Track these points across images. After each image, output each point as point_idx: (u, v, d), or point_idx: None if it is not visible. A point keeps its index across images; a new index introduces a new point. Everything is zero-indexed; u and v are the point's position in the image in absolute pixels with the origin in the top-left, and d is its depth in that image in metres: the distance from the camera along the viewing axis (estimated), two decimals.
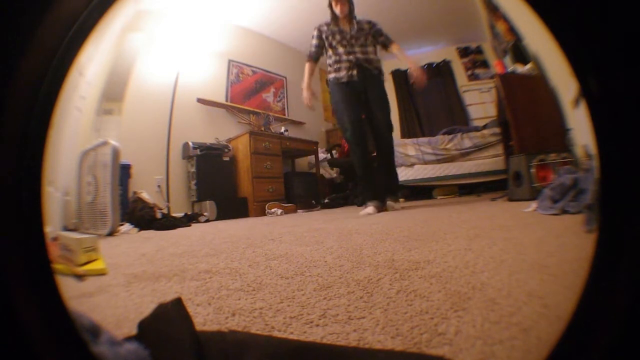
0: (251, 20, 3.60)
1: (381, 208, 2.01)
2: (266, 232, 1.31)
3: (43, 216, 0.23)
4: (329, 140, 4.29)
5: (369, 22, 2.23)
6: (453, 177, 2.96)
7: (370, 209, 1.97)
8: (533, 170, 1.54)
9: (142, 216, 1.91)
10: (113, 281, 0.65)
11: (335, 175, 3.84)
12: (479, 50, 4.23)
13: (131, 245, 1.19)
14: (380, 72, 2.22)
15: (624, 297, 0.20)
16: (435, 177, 2.99)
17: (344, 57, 2.17)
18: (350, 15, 2.20)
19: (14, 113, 0.21)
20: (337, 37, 2.19)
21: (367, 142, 2.16)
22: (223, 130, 3.36)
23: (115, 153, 1.60)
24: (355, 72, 2.14)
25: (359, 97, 2.16)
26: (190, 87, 3.17)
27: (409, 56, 2.42)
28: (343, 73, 2.16)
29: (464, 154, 2.98)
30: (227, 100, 3.58)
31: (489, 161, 2.89)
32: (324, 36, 2.22)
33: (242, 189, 3.12)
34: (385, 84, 2.25)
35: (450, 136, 3.07)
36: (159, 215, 1.99)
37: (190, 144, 2.85)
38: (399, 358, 0.29)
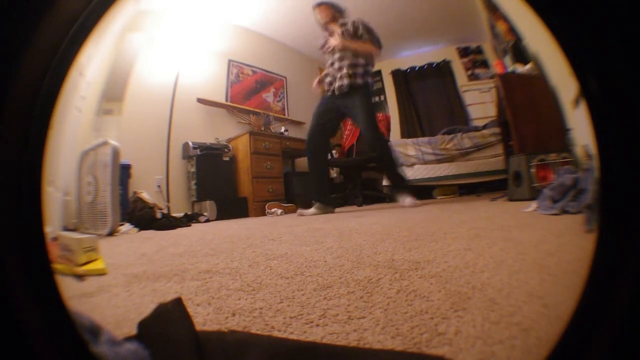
0: (251, 20, 3.60)
1: (325, 211, 2.17)
2: (266, 232, 1.31)
3: (43, 216, 0.23)
4: None
5: (345, 27, 2.13)
6: (453, 177, 2.96)
7: (312, 210, 2.15)
8: (533, 170, 1.54)
9: (142, 216, 1.90)
10: (113, 281, 0.64)
11: (335, 175, 3.83)
12: (479, 50, 4.22)
13: (131, 245, 1.19)
14: (365, 82, 2.15)
15: (624, 297, 0.20)
16: (435, 177, 2.99)
17: (329, 69, 2.21)
18: (333, 21, 2.17)
19: (14, 113, 0.21)
20: (326, 45, 2.23)
21: (320, 154, 2.28)
22: (223, 130, 3.36)
23: (115, 153, 1.60)
24: (336, 85, 2.16)
25: (331, 110, 2.20)
26: (190, 87, 3.17)
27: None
28: (327, 87, 2.23)
29: (464, 154, 2.97)
30: (227, 100, 3.58)
31: (489, 161, 2.89)
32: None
33: (242, 189, 3.12)
34: (373, 88, 2.20)
35: (450, 136, 3.07)
36: (159, 215, 1.98)
37: (190, 144, 2.84)
38: (399, 358, 0.29)
